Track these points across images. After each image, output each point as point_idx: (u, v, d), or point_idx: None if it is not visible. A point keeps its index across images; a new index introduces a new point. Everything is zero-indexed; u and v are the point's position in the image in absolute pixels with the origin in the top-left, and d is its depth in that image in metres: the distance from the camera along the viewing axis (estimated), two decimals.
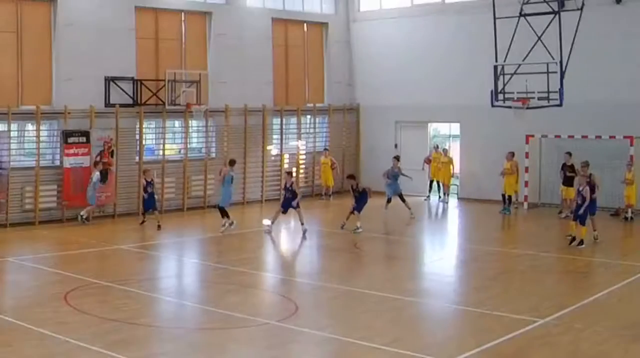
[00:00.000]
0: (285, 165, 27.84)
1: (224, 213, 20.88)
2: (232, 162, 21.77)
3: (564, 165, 23.39)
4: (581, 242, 18.52)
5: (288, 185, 21.15)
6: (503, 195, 24.65)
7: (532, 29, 21.47)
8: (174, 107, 24.14)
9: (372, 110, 29.77)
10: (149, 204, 21.62)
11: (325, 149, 28.55)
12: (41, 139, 22.23)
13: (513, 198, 24.71)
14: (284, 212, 20.98)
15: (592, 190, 18.96)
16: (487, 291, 14.87)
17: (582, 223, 18.56)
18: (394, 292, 14.48)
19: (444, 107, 27.56)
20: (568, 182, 22.96)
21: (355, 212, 21.10)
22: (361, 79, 30.15)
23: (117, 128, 23.23)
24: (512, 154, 24.68)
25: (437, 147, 28.00)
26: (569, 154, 23.29)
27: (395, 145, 29.17)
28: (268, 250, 20.13)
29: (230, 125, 26.05)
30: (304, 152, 28.58)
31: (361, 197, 21.28)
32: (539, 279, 16.01)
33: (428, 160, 27.71)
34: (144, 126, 24.09)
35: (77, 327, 11.86)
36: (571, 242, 18.74)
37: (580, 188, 18.65)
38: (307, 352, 11.34)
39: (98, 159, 22.47)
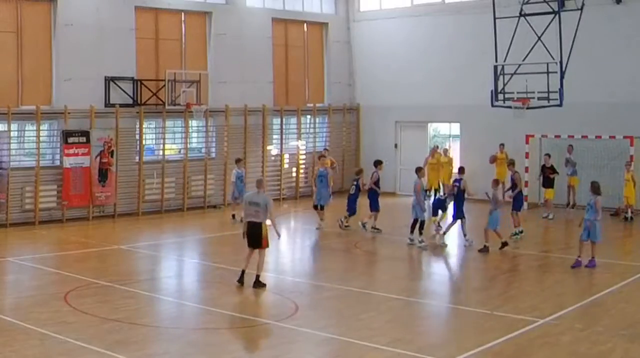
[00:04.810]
0: (285, 166, 27.86)
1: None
2: (238, 161, 23.07)
3: (543, 166, 23.49)
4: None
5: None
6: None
7: (532, 29, 21.48)
8: (174, 107, 24.13)
9: (372, 110, 29.77)
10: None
11: (326, 149, 28.53)
12: (41, 139, 22.23)
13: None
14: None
15: (514, 187, 19.85)
16: (487, 291, 14.88)
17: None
18: (394, 292, 14.49)
19: (444, 107, 27.56)
20: (548, 183, 23.12)
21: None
22: (361, 79, 30.14)
23: (117, 128, 23.23)
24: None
25: (437, 147, 27.98)
26: (548, 155, 23.42)
27: (395, 145, 29.19)
28: (268, 250, 20.04)
29: (230, 125, 26.04)
30: (304, 152, 28.58)
31: (459, 195, 20.36)
32: (539, 279, 16.02)
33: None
34: (144, 126, 24.09)
35: (77, 327, 11.86)
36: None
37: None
38: (307, 352, 11.33)
39: None
